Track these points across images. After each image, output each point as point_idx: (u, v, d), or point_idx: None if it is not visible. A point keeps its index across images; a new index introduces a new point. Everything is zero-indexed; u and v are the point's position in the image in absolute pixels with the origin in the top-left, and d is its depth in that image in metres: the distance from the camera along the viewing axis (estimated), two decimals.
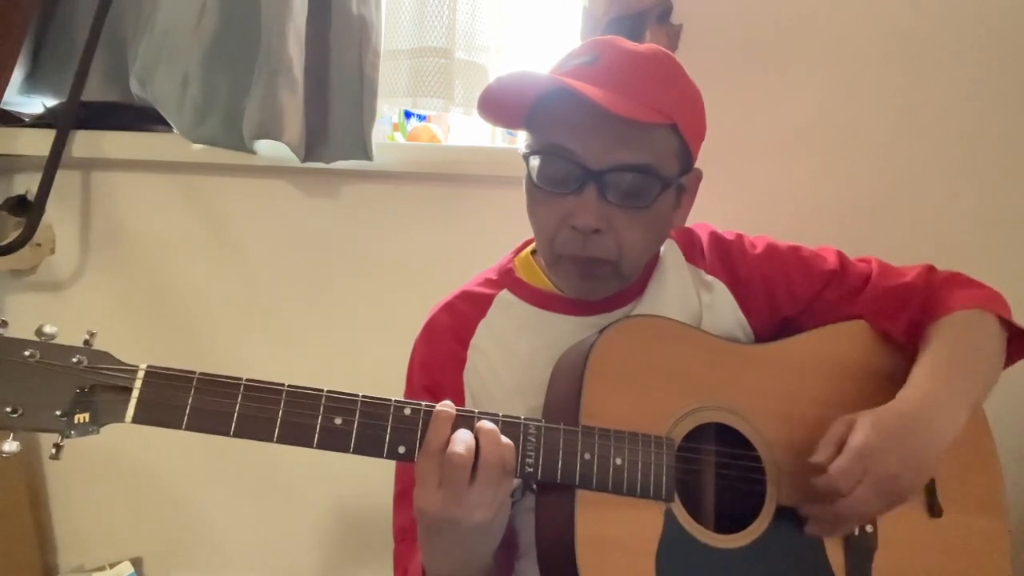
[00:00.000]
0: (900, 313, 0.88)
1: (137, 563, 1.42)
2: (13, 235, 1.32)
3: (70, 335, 0.66)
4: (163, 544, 1.44)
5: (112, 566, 1.39)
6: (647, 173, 0.78)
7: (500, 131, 1.48)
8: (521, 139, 0.86)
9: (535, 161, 0.80)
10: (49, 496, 1.43)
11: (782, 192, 1.29)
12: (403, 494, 0.89)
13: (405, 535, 0.87)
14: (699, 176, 0.88)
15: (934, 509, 0.83)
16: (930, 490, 0.83)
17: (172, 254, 1.41)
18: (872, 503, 0.74)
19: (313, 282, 1.40)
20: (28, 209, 1.34)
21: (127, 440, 0.99)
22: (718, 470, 0.82)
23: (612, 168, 0.76)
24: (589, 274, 0.82)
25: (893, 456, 0.73)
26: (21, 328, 0.65)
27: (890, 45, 1.27)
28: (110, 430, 0.65)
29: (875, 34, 1.27)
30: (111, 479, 1.42)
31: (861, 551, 0.79)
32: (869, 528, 0.80)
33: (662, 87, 0.78)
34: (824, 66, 1.28)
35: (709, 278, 0.90)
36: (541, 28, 1.45)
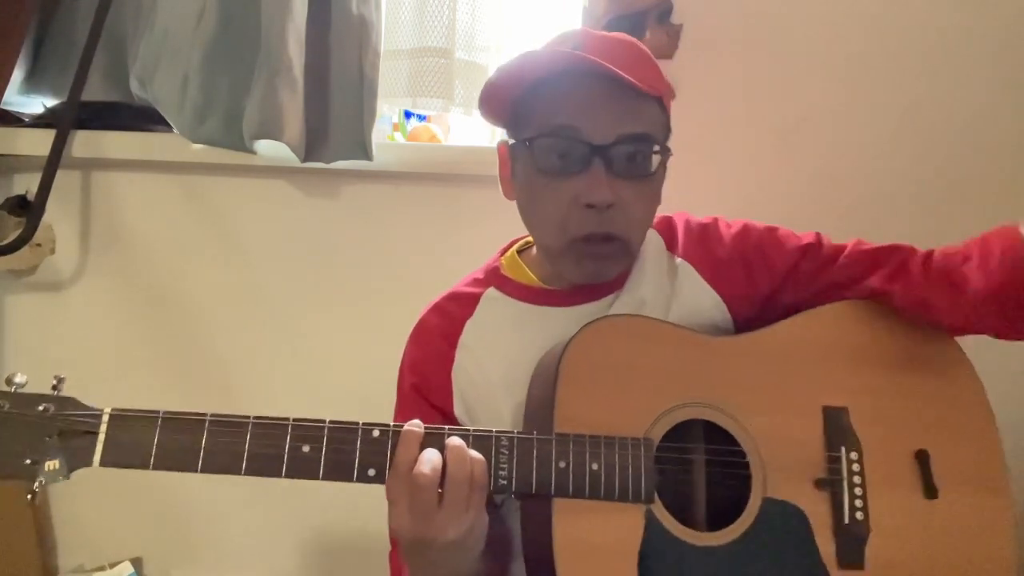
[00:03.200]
0: (879, 267, 0.87)
1: (137, 563, 1.42)
2: (13, 235, 1.32)
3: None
4: (163, 544, 1.44)
5: (112, 566, 1.39)
6: (647, 141, 0.80)
7: (500, 131, 1.48)
8: (498, 138, 0.85)
9: (537, 146, 0.81)
10: (49, 496, 1.43)
11: (781, 191, 1.29)
12: None
13: None
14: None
15: (929, 490, 0.80)
16: (924, 470, 0.80)
17: (172, 254, 1.40)
18: None
19: (313, 282, 1.39)
20: (28, 209, 1.34)
21: None
22: (701, 467, 0.81)
23: (617, 140, 0.78)
24: (602, 254, 0.82)
25: None
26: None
27: (889, 44, 1.27)
28: None
29: (874, 34, 1.27)
30: (111, 479, 1.40)
31: (852, 539, 0.77)
32: (859, 515, 0.78)
33: (645, 64, 0.81)
34: (823, 66, 1.28)
35: (678, 260, 0.90)
36: (541, 28, 1.45)
